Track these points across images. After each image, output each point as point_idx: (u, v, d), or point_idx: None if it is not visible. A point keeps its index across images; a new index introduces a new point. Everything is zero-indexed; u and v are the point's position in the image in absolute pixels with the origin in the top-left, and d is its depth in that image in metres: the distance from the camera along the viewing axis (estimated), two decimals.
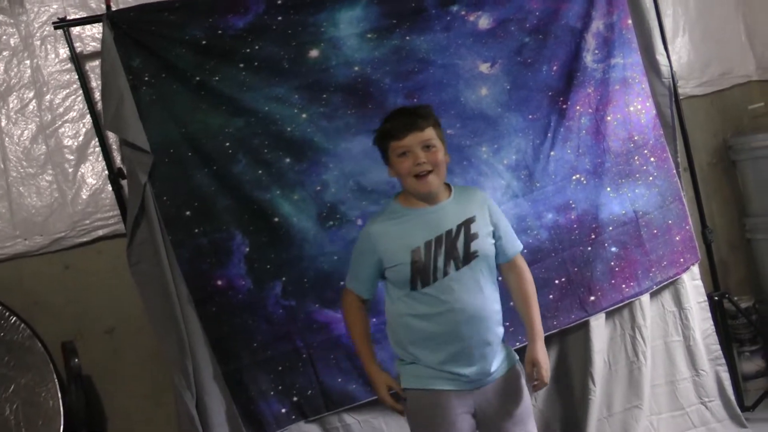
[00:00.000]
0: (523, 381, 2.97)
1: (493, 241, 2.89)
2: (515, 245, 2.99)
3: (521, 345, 3.65)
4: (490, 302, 2.85)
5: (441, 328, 2.78)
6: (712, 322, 4.30)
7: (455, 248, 2.78)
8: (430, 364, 2.82)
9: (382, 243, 2.81)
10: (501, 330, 2.90)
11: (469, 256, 2.79)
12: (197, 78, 3.38)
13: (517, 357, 2.99)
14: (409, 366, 2.87)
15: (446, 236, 2.78)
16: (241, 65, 3.43)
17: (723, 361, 4.27)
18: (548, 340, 3.83)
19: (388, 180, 3.03)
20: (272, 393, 3.48)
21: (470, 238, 2.80)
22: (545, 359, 2.95)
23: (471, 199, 2.90)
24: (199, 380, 3.39)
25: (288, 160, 3.49)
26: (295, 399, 3.50)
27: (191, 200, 3.38)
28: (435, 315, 2.78)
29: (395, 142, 2.76)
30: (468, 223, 2.81)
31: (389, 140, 2.78)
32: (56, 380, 3.50)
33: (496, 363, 2.87)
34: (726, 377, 4.25)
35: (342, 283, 3.07)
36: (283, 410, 3.49)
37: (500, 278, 2.97)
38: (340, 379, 3.53)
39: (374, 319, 3.15)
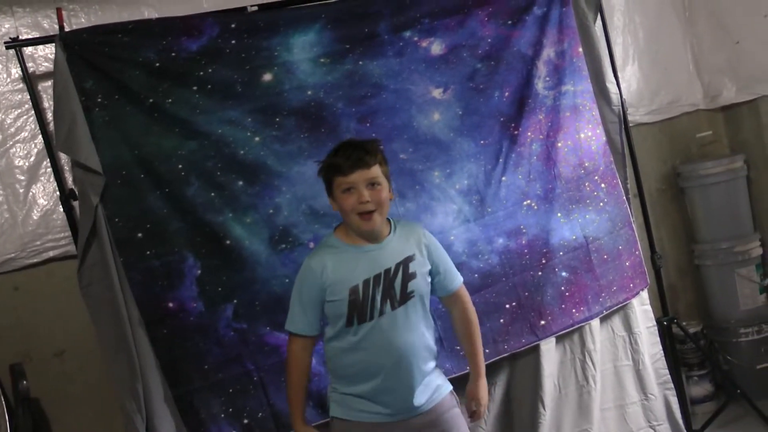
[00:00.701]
0: (457, 411, 3.01)
1: (430, 279, 2.94)
2: (456, 278, 3.06)
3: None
4: (422, 340, 2.89)
5: (370, 363, 2.83)
6: (660, 347, 4.38)
7: (393, 287, 2.83)
8: (358, 395, 2.87)
9: (324, 276, 2.83)
10: (431, 365, 2.94)
11: (406, 297, 2.84)
12: (150, 100, 3.40)
13: (450, 387, 3.02)
14: (338, 395, 2.93)
15: (384, 275, 2.83)
16: (195, 88, 3.47)
17: (671, 385, 4.35)
18: (499, 364, 3.96)
19: None
20: (223, 416, 3.48)
21: (408, 277, 2.85)
22: (485, 396, 3.08)
23: (410, 237, 2.95)
24: (150, 403, 3.38)
25: (241, 183, 3.53)
26: (245, 422, 3.51)
27: (143, 222, 3.39)
28: (366, 351, 2.82)
29: (341, 178, 2.79)
30: (407, 262, 2.87)
31: (335, 174, 2.82)
32: (3, 403, 3.46)
33: (425, 396, 2.90)
34: (674, 401, 4.33)
35: None
36: None
37: (444, 309, 3.04)
38: None
39: None
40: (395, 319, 2.82)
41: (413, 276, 2.86)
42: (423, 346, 2.89)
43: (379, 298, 2.81)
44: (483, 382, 3.06)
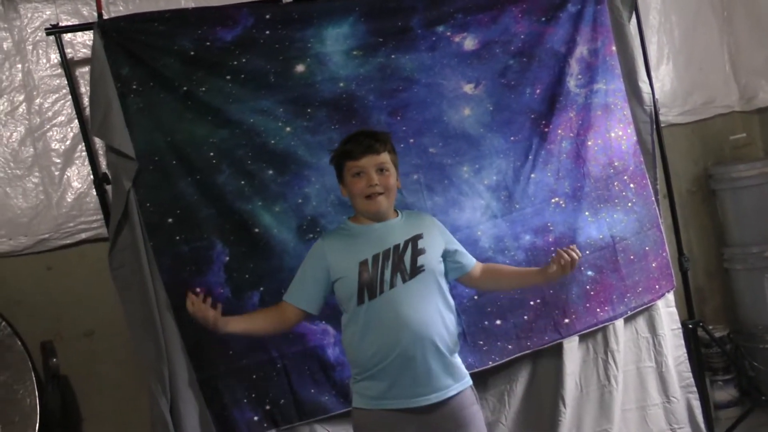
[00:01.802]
0: (477, 408, 3.05)
1: (441, 260, 3.03)
2: (471, 258, 3.18)
3: (494, 364, 3.81)
4: (439, 318, 2.94)
5: (385, 341, 2.87)
6: (685, 350, 4.41)
7: (402, 262, 2.93)
8: (377, 382, 2.92)
9: (332, 255, 2.97)
10: (451, 349, 2.98)
11: (416, 270, 2.93)
12: (184, 88, 3.50)
13: (471, 382, 3.06)
14: (358, 385, 3.00)
15: (393, 250, 2.94)
16: (228, 77, 3.56)
17: (694, 389, 4.37)
18: (521, 361, 4.01)
19: None
20: (245, 401, 3.58)
21: (417, 252, 2.95)
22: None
23: (419, 220, 3.10)
24: (175, 386, 3.48)
25: (271, 172, 3.61)
26: (267, 408, 3.60)
27: (174, 208, 3.49)
28: (380, 328, 2.89)
29: (351, 162, 2.95)
30: (416, 239, 2.98)
31: (346, 160, 2.97)
32: (34, 379, 3.60)
33: (444, 386, 2.94)
34: (697, 405, 4.36)
35: None
36: (256, 418, 3.58)
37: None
38: (313, 390, 3.63)
39: None
40: (407, 293, 2.90)
41: (422, 251, 2.96)
42: (440, 324, 2.93)
43: (389, 272, 2.91)
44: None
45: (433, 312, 2.93)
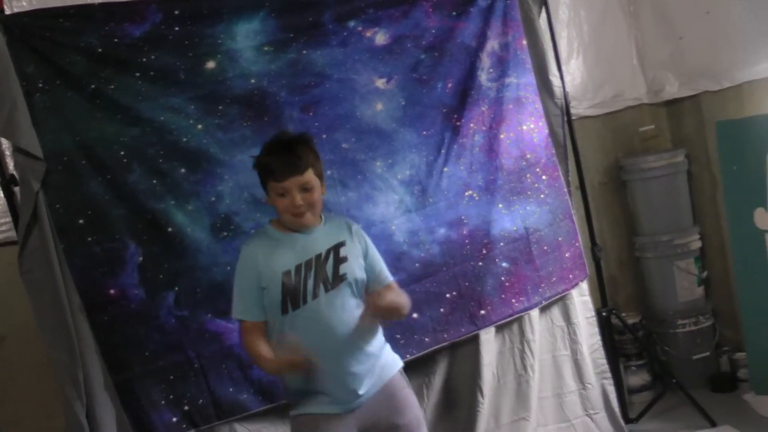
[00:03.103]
0: (408, 390, 3.15)
1: (363, 265, 3.06)
2: (388, 274, 3.17)
3: (411, 357, 3.87)
4: (358, 326, 2.98)
5: (311, 349, 2.86)
6: (599, 337, 4.53)
7: (324, 270, 2.96)
8: (306, 388, 2.97)
9: (259, 261, 2.97)
10: (372, 352, 3.03)
11: (338, 279, 2.97)
12: (92, 86, 3.46)
13: (400, 365, 3.16)
14: (290, 394, 3.06)
15: (315, 260, 2.97)
16: (137, 74, 3.54)
17: (609, 374, 4.50)
18: (438, 353, 4.07)
19: None
20: (163, 402, 3.56)
21: (339, 261, 2.99)
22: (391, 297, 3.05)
23: (341, 227, 3.11)
24: (90, 390, 3.45)
25: (183, 170, 3.60)
26: (186, 408, 3.59)
27: (84, 209, 3.46)
28: (304, 338, 2.88)
29: (274, 183, 2.94)
30: (338, 247, 3.01)
31: (268, 178, 2.96)
32: None
33: (369, 382, 3.00)
34: (611, 390, 4.49)
35: None
36: (174, 419, 3.57)
37: None
38: (231, 389, 3.63)
39: None
40: (329, 303, 2.94)
41: (344, 259, 3.00)
42: (364, 329, 2.98)
43: (311, 281, 2.93)
44: (404, 296, 3.11)
45: (354, 320, 2.97)
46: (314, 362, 2.81)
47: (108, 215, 3.50)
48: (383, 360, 3.09)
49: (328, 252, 3.00)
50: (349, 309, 2.98)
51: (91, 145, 3.47)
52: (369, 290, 3.08)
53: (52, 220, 3.40)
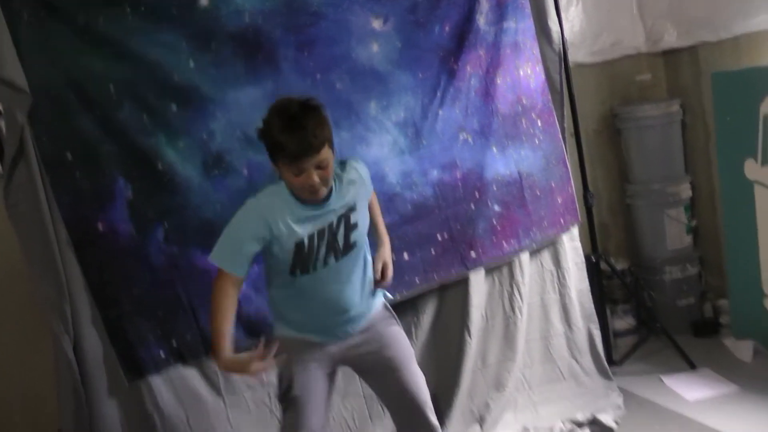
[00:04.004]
0: (397, 328, 3.05)
1: (367, 213, 2.94)
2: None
3: (402, 298, 3.79)
4: (359, 289, 2.92)
5: (311, 313, 2.86)
6: (587, 282, 4.38)
7: (336, 240, 2.79)
8: (295, 327, 2.91)
9: (272, 223, 2.73)
10: (366, 301, 2.98)
11: (349, 247, 2.81)
12: (81, 20, 3.19)
13: (383, 300, 3.08)
14: (278, 323, 2.97)
15: (328, 228, 2.77)
16: (128, 9, 3.26)
17: (596, 318, 4.36)
18: (428, 294, 3.95)
19: None
20: (151, 337, 3.40)
21: (350, 228, 2.81)
22: (389, 257, 3.09)
23: (348, 183, 2.86)
24: (78, 325, 3.29)
25: (174, 107, 3.36)
26: (174, 344, 3.43)
27: (73, 143, 3.24)
28: (307, 300, 2.83)
29: (288, 163, 2.64)
30: (348, 213, 2.82)
31: (281, 156, 2.64)
32: None
33: (361, 322, 2.96)
34: (597, 334, 4.35)
35: None
36: (162, 354, 3.41)
37: None
38: None
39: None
40: (337, 271, 2.83)
41: (355, 227, 2.82)
42: (361, 292, 2.93)
43: (323, 251, 2.78)
44: (388, 248, 3.11)
45: (357, 285, 2.90)
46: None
47: (97, 151, 3.27)
48: (372, 302, 3.01)
49: (339, 219, 2.80)
50: (354, 275, 2.89)
51: (79, 80, 3.22)
52: None
53: (39, 155, 3.18)
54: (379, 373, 3.04)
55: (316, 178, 2.65)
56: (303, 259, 2.76)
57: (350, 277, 2.87)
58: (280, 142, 2.62)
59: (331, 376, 3.01)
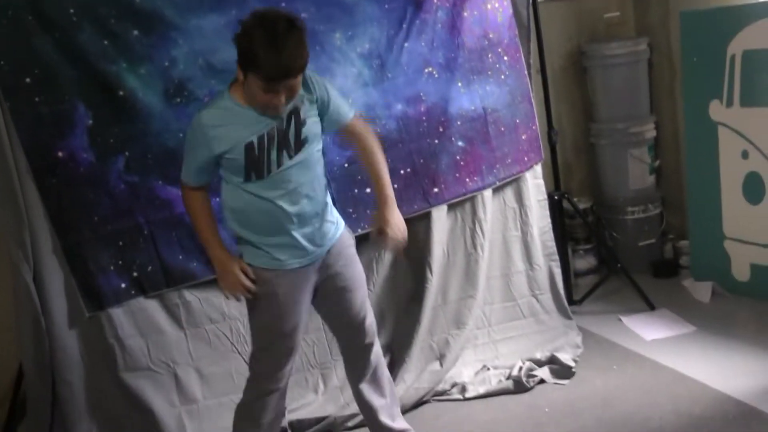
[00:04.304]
0: (353, 250, 3.11)
1: (318, 119, 2.87)
2: (348, 112, 2.98)
3: (363, 232, 3.71)
4: (318, 185, 2.90)
5: (271, 211, 2.81)
6: (549, 220, 4.41)
7: (287, 139, 2.77)
8: (264, 245, 2.88)
9: (214, 132, 2.74)
10: (328, 205, 2.99)
11: (299, 143, 2.80)
12: None
13: (344, 224, 3.11)
14: (247, 245, 2.92)
15: (278, 129, 2.76)
16: None
17: (557, 257, 4.40)
18: None
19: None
20: (112, 268, 3.42)
21: (299, 124, 2.79)
22: (396, 219, 3.00)
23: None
24: (38, 254, 3.31)
25: (136, 32, 3.33)
26: (135, 275, 3.45)
27: (32, 67, 3.21)
28: (265, 201, 2.80)
29: (262, 80, 2.61)
30: (296, 110, 2.79)
31: (253, 70, 2.61)
32: None
33: (327, 236, 2.96)
34: (558, 272, 4.39)
35: None
36: (123, 285, 3.44)
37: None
38: (181, 257, 3.48)
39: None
40: (293, 169, 2.80)
41: (304, 123, 2.80)
42: (321, 183, 2.92)
43: (274, 152, 2.76)
44: (392, 208, 3.00)
45: (314, 180, 2.88)
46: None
47: (57, 75, 3.26)
48: (334, 220, 3.01)
49: (288, 117, 2.77)
50: (311, 170, 2.86)
51: (38, 0, 3.17)
52: (329, 128, 2.97)
53: None
54: (335, 294, 3.06)
55: (282, 100, 2.67)
56: (254, 161, 2.75)
57: (308, 171, 2.84)
58: (259, 57, 2.56)
59: (306, 305, 3.03)
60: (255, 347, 3.06)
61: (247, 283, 2.87)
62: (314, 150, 2.86)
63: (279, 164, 2.78)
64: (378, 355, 3.23)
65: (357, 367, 3.21)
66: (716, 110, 4.48)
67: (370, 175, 3.06)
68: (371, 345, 3.17)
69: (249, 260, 2.91)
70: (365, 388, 3.22)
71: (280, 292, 2.91)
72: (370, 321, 3.17)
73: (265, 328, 2.99)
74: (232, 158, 2.75)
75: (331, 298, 3.08)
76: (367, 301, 3.17)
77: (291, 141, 2.79)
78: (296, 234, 2.85)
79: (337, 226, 3.02)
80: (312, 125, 2.83)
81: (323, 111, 2.88)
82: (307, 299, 3.00)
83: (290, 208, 2.81)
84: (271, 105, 2.68)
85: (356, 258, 3.12)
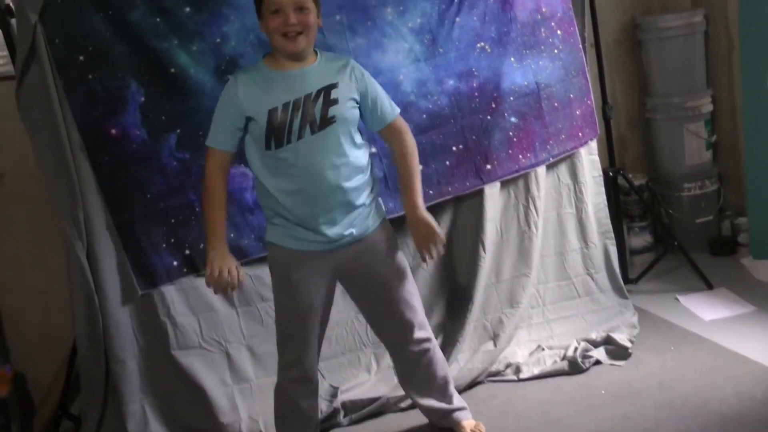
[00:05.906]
0: (392, 243, 3.14)
1: (357, 107, 2.97)
2: (391, 110, 3.07)
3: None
4: (345, 171, 2.93)
5: (292, 188, 2.90)
6: (605, 197, 4.44)
7: (312, 112, 2.86)
8: (282, 224, 2.97)
9: (245, 91, 2.87)
10: (364, 194, 3.01)
11: (326, 122, 2.88)
12: None
13: (384, 216, 3.15)
14: (271, 221, 3.03)
15: (305, 99, 2.86)
16: None
17: (612, 234, 4.42)
18: (442, 206, 4.02)
19: None
20: (164, 246, 3.54)
21: (329, 103, 2.88)
22: (425, 230, 3.05)
23: (337, 66, 2.98)
24: (91, 230, 3.42)
25: (188, 9, 3.44)
26: (187, 252, 3.57)
27: (85, 44, 3.33)
28: (287, 176, 2.89)
29: (268, 4, 2.81)
30: (329, 88, 2.90)
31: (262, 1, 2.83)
32: None
33: (356, 226, 3.00)
34: (613, 251, 4.42)
35: None
36: (175, 263, 3.56)
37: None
38: (232, 234, 3.57)
39: None
40: (314, 146, 2.87)
41: (335, 102, 2.89)
42: (347, 175, 2.94)
43: (298, 122, 2.85)
44: (419, 219, 3.05)
45: (341, 164, 2.92)
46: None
47: (109, 52, 3.37)
48: (369, 210, 3.05)
49: (318, 92, 2.89)
50: (336, 150, 2.91)
51: None
52: (371, 127, 3.07)
53: (51, 55, 3.27)
54: (366, 288, 3.17)
55: (293, 19, 2.80)
56: (276, 127, 2.84)
57: (332, 153, 2.90)
58: None
59: (329, 291, 3.12)
60: (277, 332, 3.15)
61: (234, 282, 2.94)
62: (344, 133, 2.93)
63: (299, 136, 2.85)
64: (427, 354, 3.27)
65: (403, 369, 3.35)
66: None
67: (402, 178, 3.11)
68: (412, 344, 3.22)
69: (269, 237, 3.04)
70: (414, 395, 3.39)
71: (294, 273, 3.00)
72: (410, 318, 3.19)
73: (282, 309, 3.09)
74: (256, 122, 2.87)
75: (362, 292, 3.18)
76: (411, 299, 3.19)
77: (317, 116, 2.87)
78: (316, 217, 2.92)
79: (371, 218, 3.06)
80: (344, 109, 2.92)
81: (365, 105, 2.99)
82: (324, 286, 3.06)
83: (309, 189, 2.89)
84: (282, 28, 2.81)
85: (394, 253, 3.14)
